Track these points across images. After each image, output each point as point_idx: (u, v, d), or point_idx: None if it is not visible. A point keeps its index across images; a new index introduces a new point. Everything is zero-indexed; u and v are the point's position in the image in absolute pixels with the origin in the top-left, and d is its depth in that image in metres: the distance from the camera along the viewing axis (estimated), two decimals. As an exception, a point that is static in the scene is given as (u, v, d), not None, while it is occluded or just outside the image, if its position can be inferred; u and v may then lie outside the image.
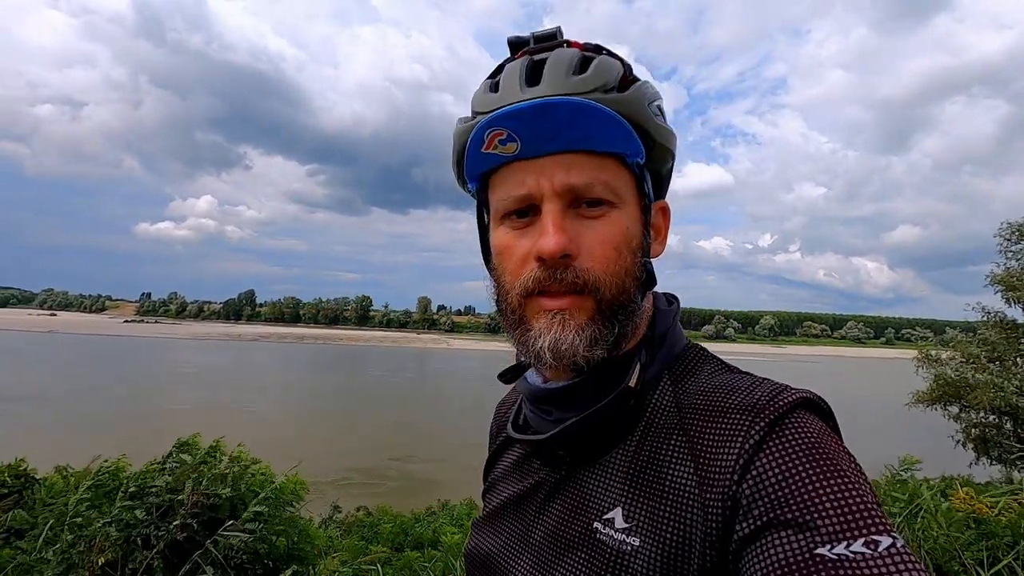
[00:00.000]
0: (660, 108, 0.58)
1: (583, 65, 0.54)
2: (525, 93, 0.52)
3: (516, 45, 0.58)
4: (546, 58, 0.55)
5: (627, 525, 0.51)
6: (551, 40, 0.57)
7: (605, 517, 0.53)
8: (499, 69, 0.58)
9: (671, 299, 0.66)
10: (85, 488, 2.19)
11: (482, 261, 0.63)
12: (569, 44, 0.57)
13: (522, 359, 0.62)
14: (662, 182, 0.63)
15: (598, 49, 0.57)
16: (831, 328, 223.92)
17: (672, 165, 0.62)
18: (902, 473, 3.86)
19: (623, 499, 0.53)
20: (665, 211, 0.63)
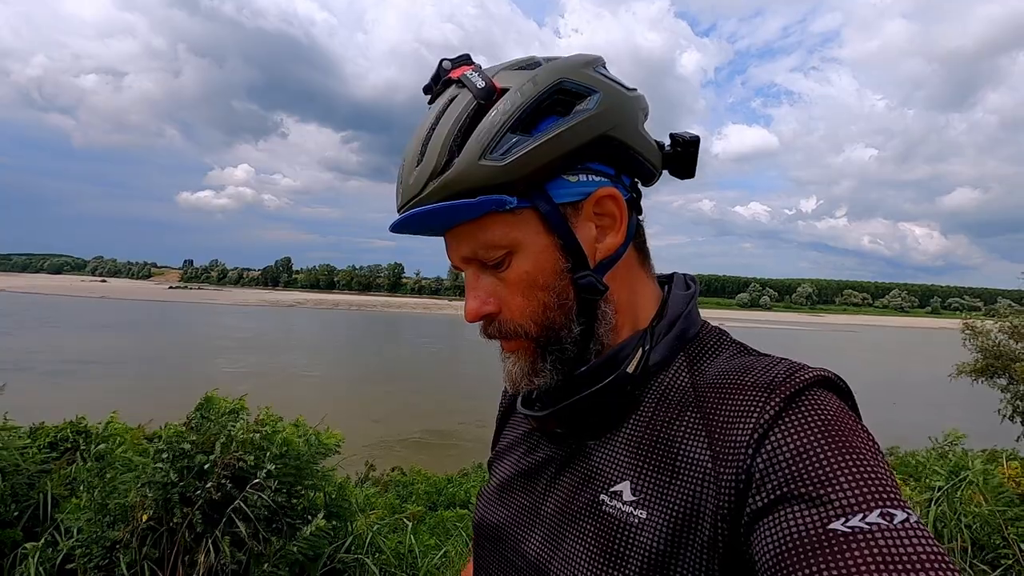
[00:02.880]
0: (527, 117, 0.53)
1: (424, 144, 0.54)
2: (400, 198, 0.56)
3: (426, 90, 0.60)
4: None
5: (634, 498, 0.52)
6: (436, 83, 0.58)
7: (612, 490, 0.54)
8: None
9: (690, 282, 0.66)
10: (122, 450, 2.34)
11: None
12: (449, 80, 0.56)
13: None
14: (611, 157, 0.57)
15: (460, 82, 0.55)
16: (873, 297, 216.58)
17: (603, 138, 0.55)
18: (946, 447, 3.77)
19: (631, 473, 0.54)
20: (612, 198, 0.57)
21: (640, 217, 0.63)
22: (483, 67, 0.57)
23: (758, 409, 0.48)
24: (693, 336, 0.60)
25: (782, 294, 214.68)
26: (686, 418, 0.53)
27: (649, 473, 0.53)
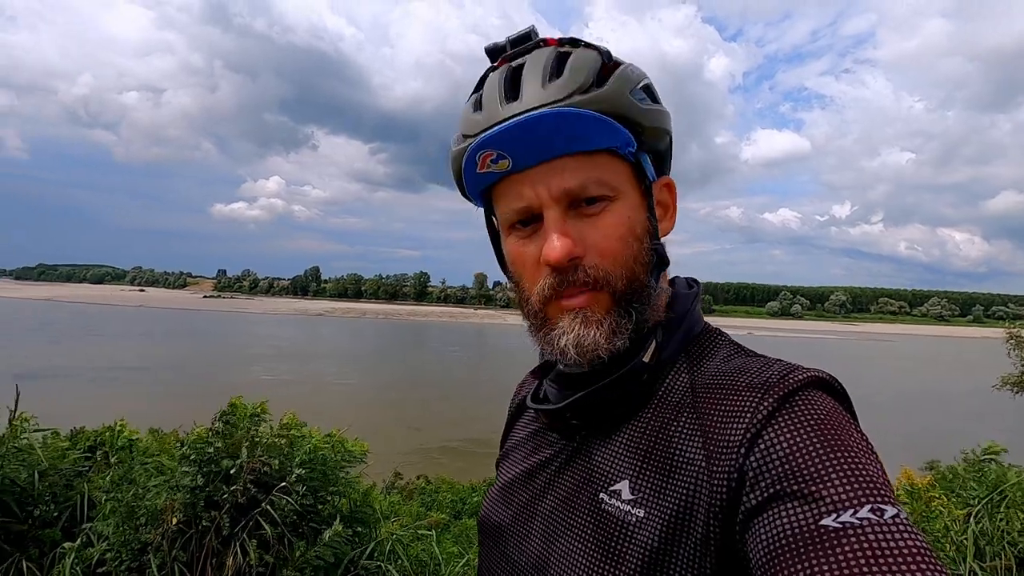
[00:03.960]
0: (648, 88, 0.59)
1: (559, 68, 0.55)
2: (506, 110, 0.54)
3: (494, 52, 0.60)
4: (523, 64, 0.57)
5: (633, 497, 0.53)
6: (527, 42, 0.59)
7: (611, 488, 0.55)
8: (482, 81, 0.60)
9: (691, 283, 0.67)
10: (120, 451, 2.40)
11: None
12: (545, 42, 0.58)
13: (547, 357, 0.64)
14: (663, 159, 0.63)
15: (574, 43, 0.58)
16: (910, 305, 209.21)
17: (670, 141, 0.62)
18: (983, 461, 3.61)
19: (630, 472, 0.54)
20: (670, 187, 0.64)
21: None
22: None
23: (751, 409, 0.48)
24: (695, 336, 0.62)
25: (814, 302, 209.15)
26: (683, 419, 0.54)
27: (647, 472, 0.53)
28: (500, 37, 0.61)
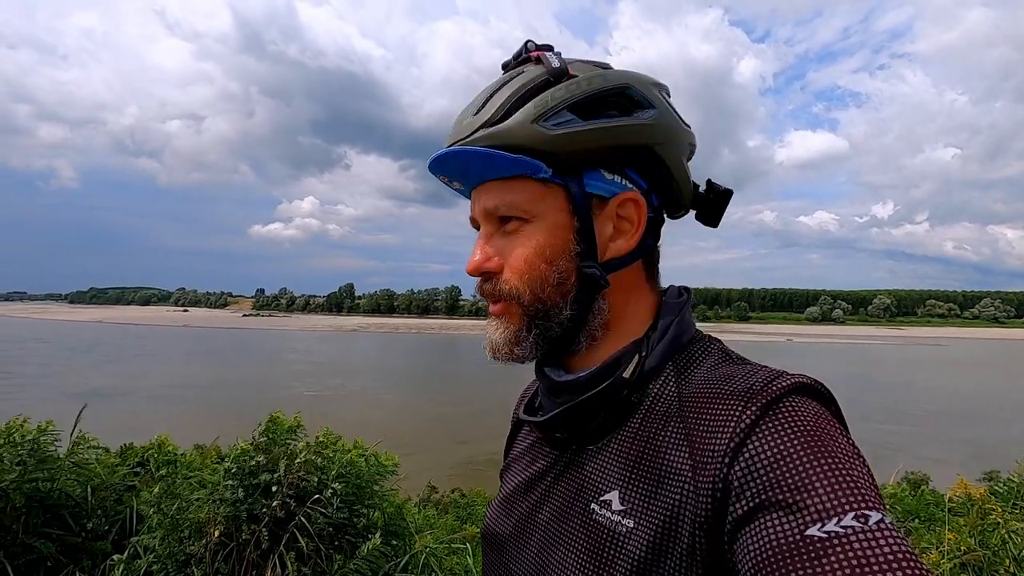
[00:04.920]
0: (587, 103, 0.56)
1: (487, 100, 0.59)
2: (447, 140, 0.61)
3: (506, 68, 0.63)
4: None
5: (623, 507, 0.53)
6: (519, 57, 0.62)
7: (602, 499, 0.56)
8: None
9: (682, 291, 0.66)
10: (166, 466, 2.49)
11: None
12: (529, 57, 0.61)
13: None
14: (645, 169, 0.60)
15: (537, 59, 0.60)
16: (960, 307, 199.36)
17: (643, 148, 0.58)
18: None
19: (620, 483, 0.55)
20: (635, 202, 0.59)
21: (659, 243, 0.66)
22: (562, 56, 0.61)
23: (735, 418, 0.48)
24: (684, 344, 0.61)
25: (856, 307, 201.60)
26: (670, 428, 0.54)
27: (636, 483, 0.54)
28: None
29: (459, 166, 0.59)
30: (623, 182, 0.59)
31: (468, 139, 0.57)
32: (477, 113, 0.58)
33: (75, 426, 2.95)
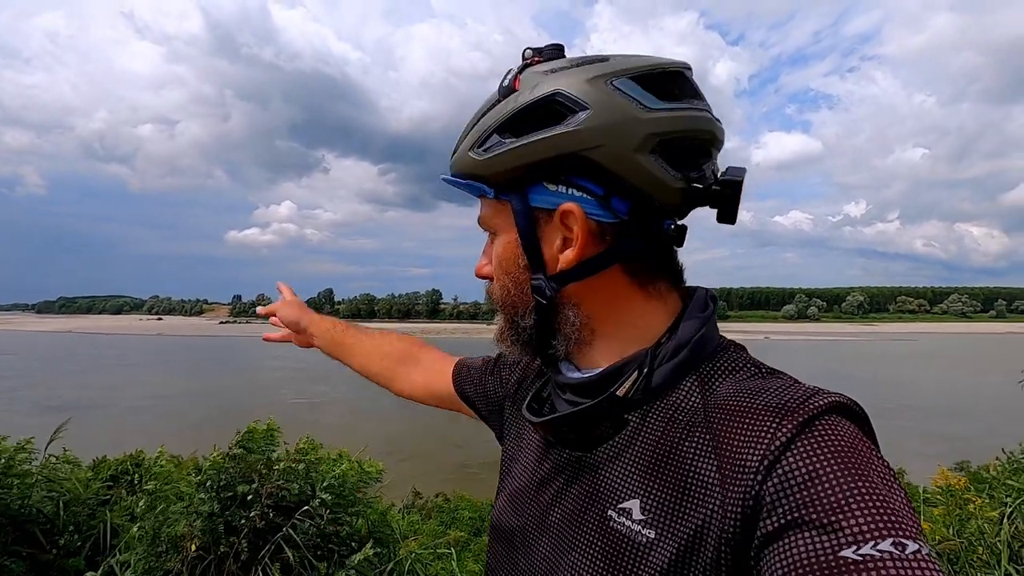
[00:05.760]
0: (515, 120, 0.56)
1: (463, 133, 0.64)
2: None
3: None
4: None
5: (644, 517, 0.52)
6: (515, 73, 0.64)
7: (621, 507, 0.55)
8: None
9: (709, 301, 0.62)
10: (152, 479, 2.43)
11: None
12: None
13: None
14: (588, 177, 0.55)
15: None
16: (930, 303, 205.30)
17: (571, 156, 0.54)
18: (1021, 459, 3.51)
19: (641, 491, 0.54)
20: (573, 214, 0.56)
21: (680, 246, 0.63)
22: (558, 58, 0.59)
23: (770, 434, 0.47)
24: (707, 356, 0.58)
25: (831, 304, 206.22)
26: (695, 437, 0.53)
27: (659, 492, 0.52)
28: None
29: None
30: (569, 191, 0.56)
31: (450, 166, 0.65)
32: (457, 141, 0.65)
33: (50, 441, 2.86)
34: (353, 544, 2.38)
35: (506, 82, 0.59)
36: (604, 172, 0.54)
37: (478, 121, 0.61)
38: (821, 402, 0.48)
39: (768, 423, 0.48)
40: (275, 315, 1.21)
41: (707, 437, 0.52)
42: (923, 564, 0.37)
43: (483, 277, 0.69)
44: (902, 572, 0.36)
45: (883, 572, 0.37)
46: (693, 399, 0.55)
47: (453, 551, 3.09)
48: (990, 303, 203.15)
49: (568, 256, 0.57)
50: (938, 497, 3.10)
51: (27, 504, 2.36)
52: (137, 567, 2.20)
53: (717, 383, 0.56)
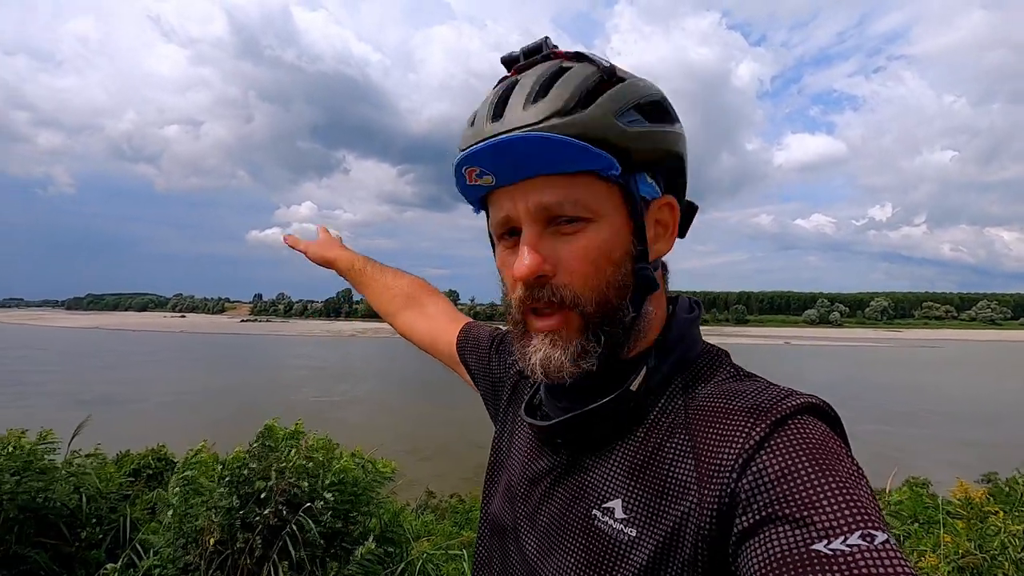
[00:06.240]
0: (648, 106, 0.57)
1: (547, 87, 0.54)
2: (488, 128, 0.55)
3: (509, 63, 0.61)
4: (518, 81, 0.57)
5: (625, 516, 0.54)
6: (537, 53, 0.59)
7: (605, 506, 0.56)
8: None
9: (694, 305, 0.66)
10: (180, 476, 2.49)
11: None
12: (554, 55, 0.58)
13: (520, 369, 0.62)
14: (673, 177, 0.61)
15: (579, 57, 0.58)
16: (957, 309, 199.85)
17: (679, 158, 0.60)
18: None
19: (623, 491, 0.55)
20: (672, 206, 0.61)
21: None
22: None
23: (745, 433, 0.49)
24: (692, 358, 0.61)
25: (853, 309, 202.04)
26: (676, 439, 0.54)
27: (640, 492, 0.54)
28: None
29: (513, 156, 0.53)
30: (657, 187, 0.59)
31: (537, 125, 0.52)
32: (539, 100, 0.53)
33: (73, 436, 2.94)
34: (364, 543, 2.40)
35: (606, 64, 0.56)
36: (682, 178, 0.62)
37: (588, 89, 0.54)
38: (794, 403, 0.50)
39: (743, 423, 0.50)
40: (300, 251, 1.23)
41: (686, 438, 0.53)
42: (890, 553, 0.39)
43: (543, 277, 0.55)
44: (871, 562, 0.38)
45: (852, 564, 0.38)
46: (676, 401, 0.57)
47: (465, 552, 3.10)
48: (1022, 310, 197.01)
49: (661, 247, 0.60)
50: (959, 510, 3.02)
51: (51, 498, 2.43)
52: (160, 558, 2.25)
53: (699, 386, 0.58)
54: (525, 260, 0.54)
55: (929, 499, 4.80)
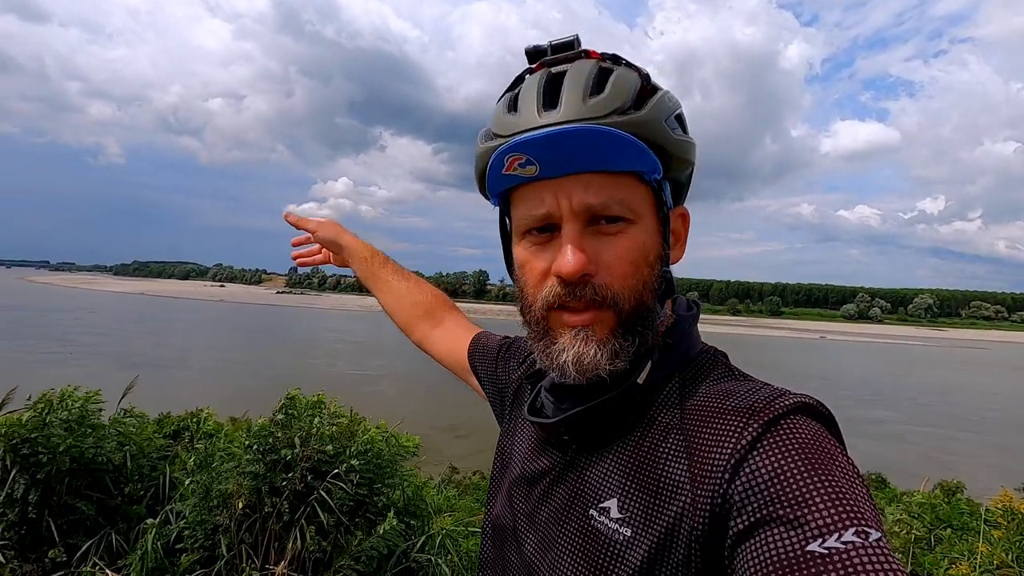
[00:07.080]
0: (679, 118, 0.60)
1: (600, 84, 0.55)
2: (543, 117, 0.54)
3: (534, 55, 0.60)
4: (564, 72, 0.56)
5: (621, 516, 0.54)
6: (568, 50, 0.58)
7: (601, 506, 0.56)
8: (518, 80, 0.60)
9: (692, 304, 0.68)
10: (202, 439, 2.58)
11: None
12: (588, 54, 0.58)
13: (544, 369, 0.61)
14: (681, 189, 0.64)
15: (616, 60, 0.58)
16: (1008, 310, 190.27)
17: (691, 172, 0.63)
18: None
19: (619, 491, 0.56)
20: (684, 217, 0.65)
21: None
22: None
23: (737, 433, 0.49)
24: (692, 357, 0.62)
25: (896, 305, 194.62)
26: (671, 440, 0.55)
27: (635, 492, 0.54)
28: (562, 32, 0.49)
29: (568, 149, 0.52)
30: (671, 196, 0.61)
31: (596, 119, 0.52)
32: (598, 95, 0.53)
33: (122, 396, 3.10)
34: (387, 514, 2.47)
35: (644, 72, 0.58)
36: (687, 189, 0.65)
37: (639, 90, 0.55)
38: (786, 403, 0.50)
39: (735, 423, 0.50)
40: (308, 230, 1.20)
41: (681, 438, 0.54)
42: (884, 550, 0.39)
43: (588, 274, 0.54)
44: (865, 559, 0.38)
45: (847, 562, 0.38)
46: (672, 401, 0.58)
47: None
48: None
49: (676, 255, 0.64)
50: (999, 519, 2.91)
51: (101, 454, 2.57)
52: (190, 519, 2.37)
53: (695, 386, 0.58)
54: (570, 258, 0.53)
55: (965, 505, 4.65)
